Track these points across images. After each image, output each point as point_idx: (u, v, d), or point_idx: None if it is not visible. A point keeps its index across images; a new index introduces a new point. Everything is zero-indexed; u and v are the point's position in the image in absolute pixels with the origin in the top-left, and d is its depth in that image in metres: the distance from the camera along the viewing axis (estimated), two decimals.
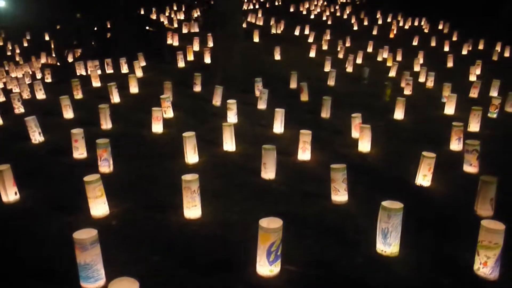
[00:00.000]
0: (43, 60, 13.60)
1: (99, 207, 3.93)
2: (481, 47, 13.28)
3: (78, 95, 8.06)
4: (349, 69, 10.44)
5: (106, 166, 4.90)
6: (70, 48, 13.87)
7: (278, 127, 6.25)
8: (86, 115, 6.95)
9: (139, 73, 9.45)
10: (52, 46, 15.32)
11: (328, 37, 13.38)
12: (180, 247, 3.47)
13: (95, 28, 14.02)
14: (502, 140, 6.13)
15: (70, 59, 13.36)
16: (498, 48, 12.59)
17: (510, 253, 3.11)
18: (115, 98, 7.70)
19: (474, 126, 6.39)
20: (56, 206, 4.17)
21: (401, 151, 5.67)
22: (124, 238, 3.61)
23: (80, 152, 5.37)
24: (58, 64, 13.31)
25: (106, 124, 6.39)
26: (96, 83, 8.93)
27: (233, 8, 9.03)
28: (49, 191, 4.51)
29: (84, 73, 10.25)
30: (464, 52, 12.63)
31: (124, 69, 9.90)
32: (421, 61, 10.99)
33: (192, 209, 3.87)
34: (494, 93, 8.32)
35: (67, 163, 5.24)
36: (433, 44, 13.53)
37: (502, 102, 7.33)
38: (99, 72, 9.67)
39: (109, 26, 13.99)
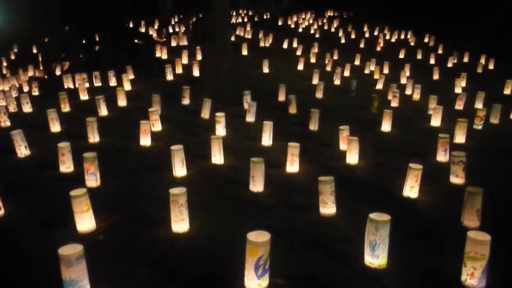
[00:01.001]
0: (30, 73, 13.49)
1: (85, 221, 3.88)
2: (466, 59, 13.51)
3: (66, 108, 8.01)
4: (337, 81, 10.54)
5: (93, 180, 4.86)
6: (58, 61, 13.78)
7: (267, 140, 6.27)
8: (74, 129, 6.90)
9: (127, 86, 9.43)
10: (40, 59, 15.22)
11: (316, 50, 13.52)
12: (167, 262, 3.44)
13: (84, 41, 13.97)
14: (487, 151, 6.21)
15: (58, 72, 13.28)
16: (482, 60, 12.83)
17: (497, 264, 3.14)
18: (103, 111, 7.66)
19: (460, 137, 6.47)
20: (42, 221, 4.11)
21: (389, 163, 5.71)
22: (111, 253, 3.56)
23: (67, 166, 5.31)
24: (46, 77, 13.21)
25: (94, 137, 6.34)
26: (84, 96, 8.88)
27: (222, 22, 9.11)
28: (35, 206, 4.44)
29: (72, 86, 10.18)
30: (450, 64, 12.86)
31: (113, 82, 9.87)
32: (408, 73, 11.15)
33: (180, 223, 3.85)
34: (479, 105, 8.46)
35: (54, 177, 5.18)
36: (419, 57, 13.75)
37: (487, 114, 7.45)
38: (87, 85, 9.63)
39: (97, 39, 13.95)
